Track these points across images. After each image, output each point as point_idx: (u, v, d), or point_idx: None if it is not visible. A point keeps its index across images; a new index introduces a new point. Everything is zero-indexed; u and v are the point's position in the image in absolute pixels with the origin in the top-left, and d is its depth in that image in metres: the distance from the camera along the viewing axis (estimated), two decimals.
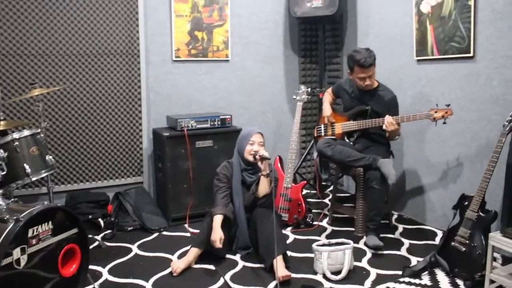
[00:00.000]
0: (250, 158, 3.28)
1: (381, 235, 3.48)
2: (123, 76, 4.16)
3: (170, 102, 4.41)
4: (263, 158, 3.18)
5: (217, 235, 3.05)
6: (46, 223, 2.43)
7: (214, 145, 4.04)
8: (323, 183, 4.59)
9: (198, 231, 3.40)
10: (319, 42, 4.79)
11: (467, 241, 2.83)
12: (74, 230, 2.64)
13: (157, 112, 4.36)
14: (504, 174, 3.04)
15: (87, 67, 4.01)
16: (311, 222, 3.82)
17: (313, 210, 4.07)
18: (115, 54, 4.10)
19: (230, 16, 4.52)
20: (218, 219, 3.13)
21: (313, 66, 5.00)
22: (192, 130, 3.96)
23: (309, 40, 4.97)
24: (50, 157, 2.99)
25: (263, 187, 3.27)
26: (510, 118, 2.74)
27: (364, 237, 3.49)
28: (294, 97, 4.12)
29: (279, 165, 4.00)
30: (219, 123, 4.08)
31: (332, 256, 2.95)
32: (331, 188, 4.55)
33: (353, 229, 3.71)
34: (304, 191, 4.79)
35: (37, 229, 2.38)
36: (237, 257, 3.28)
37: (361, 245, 3.45)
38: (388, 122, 3.35)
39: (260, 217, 3.19)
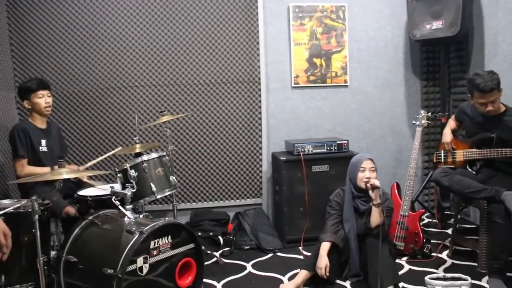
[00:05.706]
0: (363, 185, 3.26)
1: (509, 275, 3.17)
2: (244, 102, 4.42)
3: (289, 127, 4.57)
4: (373, 187, 3.15)
5: (323, 263, 3.07)
6: (166, 237, 2.71)
7: (330, 170, 4.06)
8: (446, 212, 4.31)
9: (310, 254, 3.45)
10: (441, 65, 4.57)
11: None
12: (191, 245, 2.88)
13: (277, 137, 4.54)
14: None
15: (212, 95, 4.37)
16: (428, 253, 3.63)
17: (432, 241, 3.86)
18: (237, 82, 4.39)
19: (348, 41, 4.56)
20: (325, 246, 3.15)
21: (435, 89, 4.78)
22: (309, 154, 4.04)
23: (431, 62, 4.77)
24: (173, 177, 3.29)
25: (375, 218, 3.19)
26: None
27: (487, 276, 3.20)
28: (414, 122, 3.99)
29: (396, 192, 3.89)
30: (335, 148, 4.11)
31: None
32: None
33: (475, 264, 3.43)
34: (426, 220, 4.57)
35: (158, 241, 2.66)
36: (347, 284, 3.25)
37: (483, 282, 3.19)
38: None
39: (371, 247, 3.14)
